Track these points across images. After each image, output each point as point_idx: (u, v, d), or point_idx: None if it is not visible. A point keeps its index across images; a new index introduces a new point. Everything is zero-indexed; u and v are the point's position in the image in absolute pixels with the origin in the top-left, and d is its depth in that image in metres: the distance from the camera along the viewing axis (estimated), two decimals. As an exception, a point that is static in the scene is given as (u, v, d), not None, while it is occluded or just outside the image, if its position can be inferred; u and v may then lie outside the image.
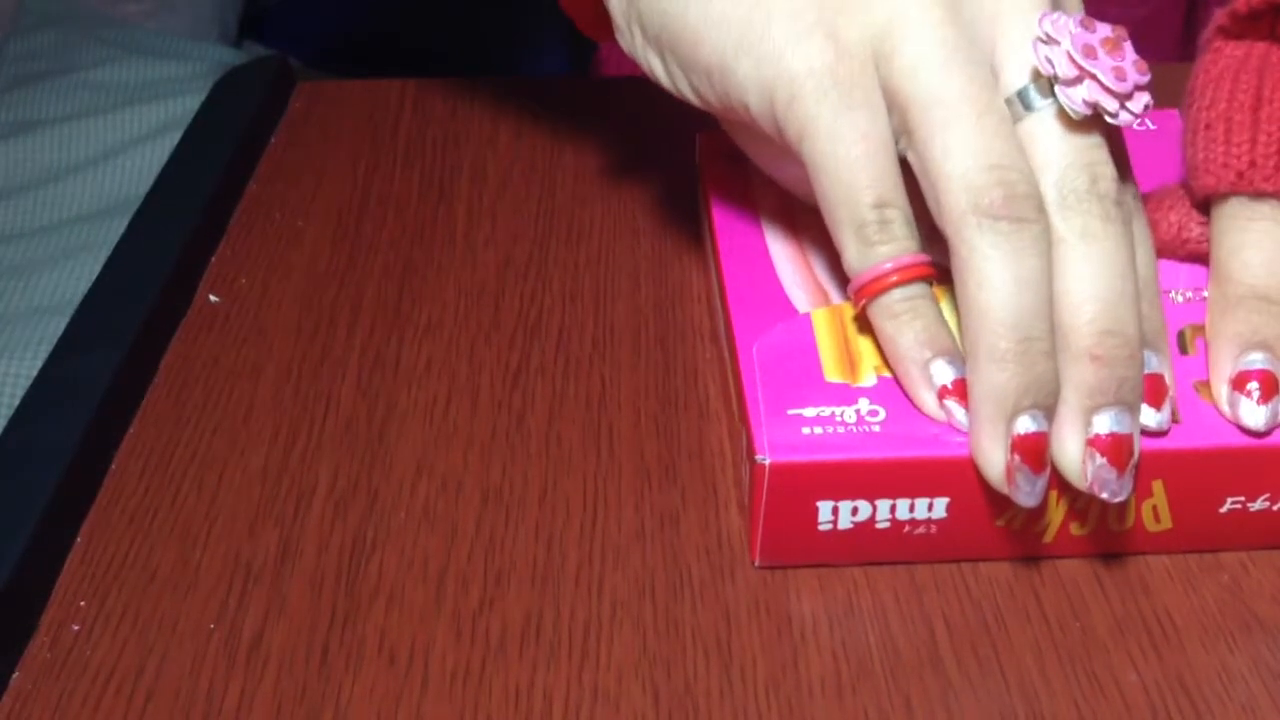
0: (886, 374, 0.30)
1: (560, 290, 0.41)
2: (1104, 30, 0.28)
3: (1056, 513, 0.30)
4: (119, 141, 0.95)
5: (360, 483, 0.34)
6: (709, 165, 0.39)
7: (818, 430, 0.29)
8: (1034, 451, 0.27)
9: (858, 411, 0.29)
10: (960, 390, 0.28)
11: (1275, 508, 0.30)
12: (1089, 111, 0.27)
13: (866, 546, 0.30)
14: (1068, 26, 0.28)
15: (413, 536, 0.32)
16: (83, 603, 0.31)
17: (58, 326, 0.40)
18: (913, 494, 0.29)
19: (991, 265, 0.27)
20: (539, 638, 0.29)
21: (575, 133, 0.49)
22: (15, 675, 0.29)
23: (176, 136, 0.48)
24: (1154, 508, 0.30)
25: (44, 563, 0.31)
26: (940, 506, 0.29)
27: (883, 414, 0.29)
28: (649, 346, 0.38)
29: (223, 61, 1.02)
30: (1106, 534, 0.30)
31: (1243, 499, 0.30)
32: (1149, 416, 0.28)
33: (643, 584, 0.31)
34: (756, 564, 0.31)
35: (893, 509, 0.29)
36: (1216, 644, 0.29)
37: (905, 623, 0.30)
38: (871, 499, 0.29)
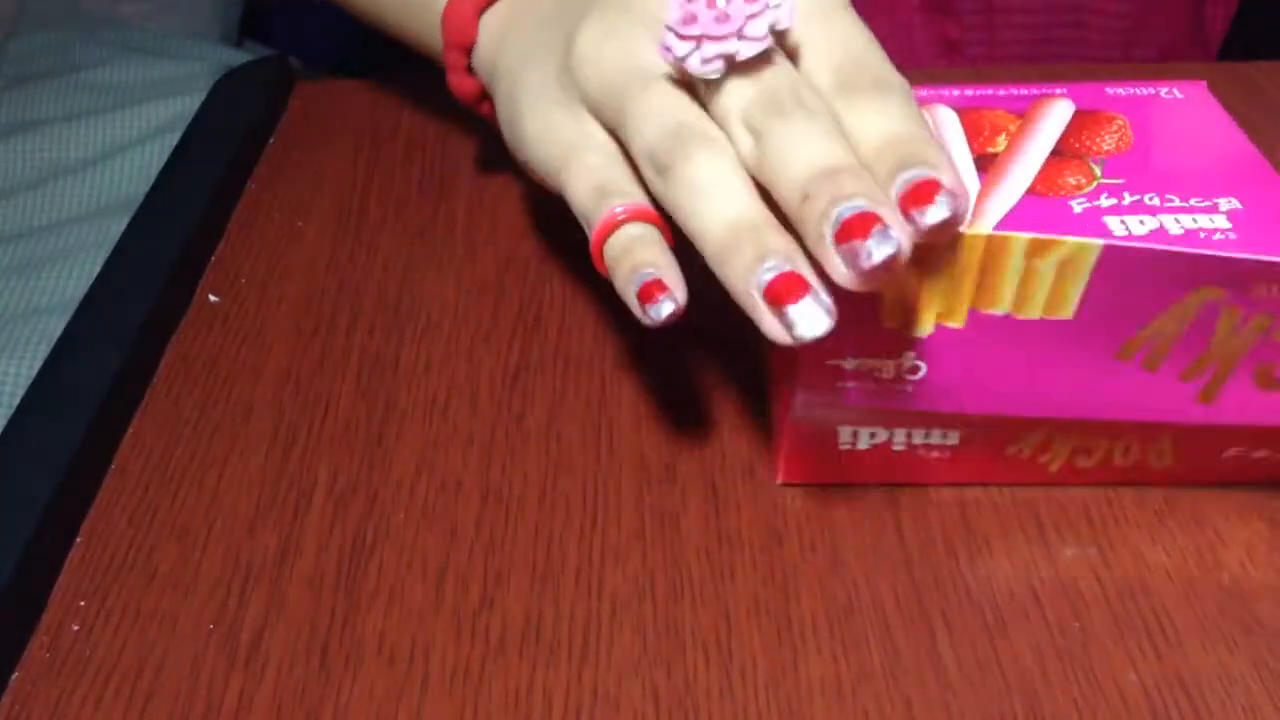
0: (950, 323, 0.30)
1: (560, 290, 0.41)
2: None
3: (1063, 446, 0.31)
4: (119, 141, 0.95)
5: (360, 483, 0.34)
6: None
7: (851, 384, 0.30)
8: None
9: (898, 366, 0.30)
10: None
11: (1277, 457, 0.32)
12: (717, 66, 0.29)
13: (885, 467, 0.32)
14: (676, 10, 0.29)
15: (412, 536, 0.32)
16: (82, 602, 0.31)
17: (58, 326, 0.40)
18: (928, 426, 0.31)
19: (680, 199, 0.29)
20: (539, 638, 0.29)
21: (575, 133, 0.49)
22: (15, 675, 0.29)
23: (176, 136, 0.48)
24: (1160, 452, 0.32)
25: (44, 563, 0.31)
26: (954, 436, 0.32)
27: (922, 370, 0.30)
28: (649, 346, 0.38)
29: (223, 61, 1.02)
30: (1111, 467, 0.32)
31: (1244, 449, 0.32)
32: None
33: (643, 584, 0.31)
34: (779, 482, 0.33)
35: (909, 436, 0.31)
36: (1216, 644, 0.29)
37: (905, 623, 0.30)
38: (890, 427, 0.31)
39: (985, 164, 0.35)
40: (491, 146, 0.48)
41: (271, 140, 0.49)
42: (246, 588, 0.31)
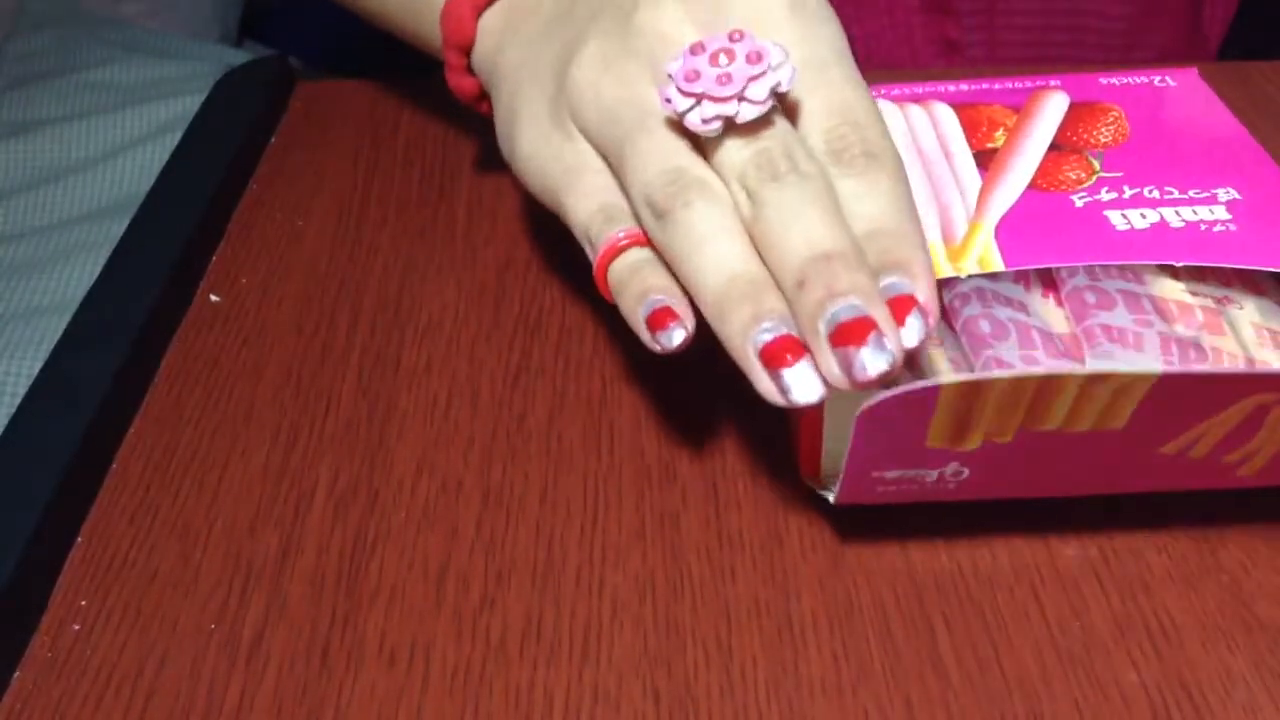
0: (999, 439, 0.28)
1: (561, 290, 0.41)
2: (716, 44, 0.29)
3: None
4: (119, 141, 0.94)
5: (360, 483, 0.34)
6: None
7: (893, 489, 0.29)
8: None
9: (941, 473, 0.29)
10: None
11: None
12: (716, 126, 0.28)
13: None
14: (678, 62, 0.29)
15: (413, 536, 0.32)
16: (83, 602, 0.31)
17: (58, 326, 0.40)
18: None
19: (677, 246, 0.29)
20: (539, 637, 0.29)
21: (575, 133, 0.49)
22: (16, 675, 0.29)
23: (176, 136, 0.48)
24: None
25: (44, 563, 0.31)
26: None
27: (966, 474, 0.29)
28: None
29: (223, 61, 1.02)
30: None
31: None
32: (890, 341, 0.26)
33: (643, 584, 0.31)
34: (807, 482, 0.32)
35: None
36: (1217, 644, 0.29)
37: (905, 623, 0.30)
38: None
39: (985, 160, 0.35)
40: (492, 146, 0.48)
41: (271, 140, 0.49)
42: (247, 587, 0.31)
